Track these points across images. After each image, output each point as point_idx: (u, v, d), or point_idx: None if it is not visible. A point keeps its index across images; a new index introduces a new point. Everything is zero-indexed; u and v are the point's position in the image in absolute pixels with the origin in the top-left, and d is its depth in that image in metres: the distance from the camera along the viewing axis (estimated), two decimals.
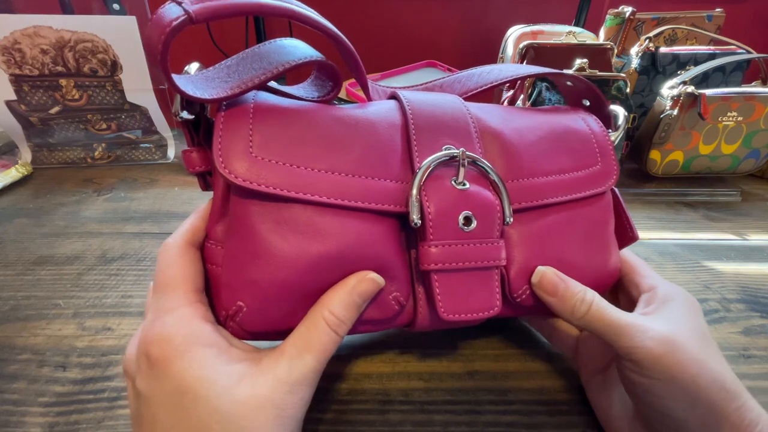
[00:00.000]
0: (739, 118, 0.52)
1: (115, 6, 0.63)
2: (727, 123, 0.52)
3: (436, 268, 0.22)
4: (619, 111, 0.29)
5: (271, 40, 0.24)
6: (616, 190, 0.28)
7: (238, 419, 0.17)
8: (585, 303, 0.22)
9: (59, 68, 0.53)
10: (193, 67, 0.23)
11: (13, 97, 0.54)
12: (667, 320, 0.21)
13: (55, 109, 0.56)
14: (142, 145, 0.60)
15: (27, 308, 0.33)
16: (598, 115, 0.30)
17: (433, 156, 0.22)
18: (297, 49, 0.23)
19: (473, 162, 0.23)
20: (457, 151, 0.22)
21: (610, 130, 0.29)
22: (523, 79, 0.30)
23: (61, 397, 0.26)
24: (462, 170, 0.22)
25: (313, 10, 0.23)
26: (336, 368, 0.29)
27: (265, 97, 0.23)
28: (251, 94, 0.22)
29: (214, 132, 0.20)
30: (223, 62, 0.23)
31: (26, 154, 0.57)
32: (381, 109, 0.24)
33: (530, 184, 0.25)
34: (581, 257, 0.25)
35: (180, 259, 0.21)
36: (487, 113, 0.27)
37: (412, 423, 0.25)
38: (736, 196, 0.54)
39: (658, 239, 0.45)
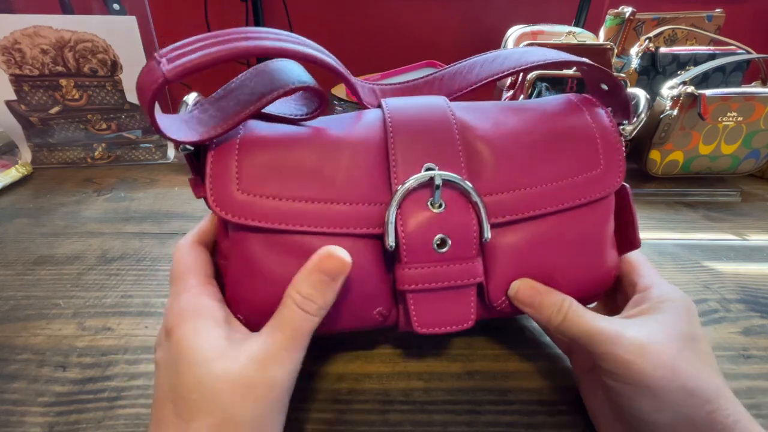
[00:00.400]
0: (739, 119, 0.52)
1: (115, 6, 0.63)
2: (727, 123, 0.52)
3: (410, 288, 0.23)
4: (639, 95, 0.25)
5: (265, 63, 0.24)
6: (629, 189, 0.26)
7: (213, 393, 0.18)
8: (561, 312, 0.23)
9: (59, 68, 0.53)
10: (191, 98, 0.24)
11: (13, 97, 0.54)
12: (648, 325, 0.21)
13: (55, 109, 0.56)
14: (142, 145, 0.60)
15: (27, 308, 0.33)
16: (615, 100, 0.26)
17: (410, 179, 0.22)
18: (288, 73, 0.23)
19: (451, 182, 0.22)
20: (434, 173, 0.22)
21: (625, 122, 0.26)
22: (530, 69, 0.26)
23: (60, 397, 0.26)
24: (438, 192, 0.22)
25: (292, 36, 0.23)
26: (336, 368, 0.29)
27: (252, 127, 0.24)
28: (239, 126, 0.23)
29: (206, 171, 0.22)
30: (214, 94, 0.24)
31: (26, 154, 0.57)
32: (362, 129, 0.24)
33: (516, 196, 0.24)
34: (570, 264, 0.25)
35: (190, 253, 0.24)
36: (478, 117, 0.25)
37: (412, 423, 0.25)
38: (736, 197, 0.54)
39: (657, 239, 0.45)
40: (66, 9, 0.64)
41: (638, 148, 0.56)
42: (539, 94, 0.55)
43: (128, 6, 0.57)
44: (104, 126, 0.58)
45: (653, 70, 0.59)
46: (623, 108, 0.26)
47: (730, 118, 0.52)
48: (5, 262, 0.39)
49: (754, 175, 0.60)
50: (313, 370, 0.28)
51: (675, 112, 0.51)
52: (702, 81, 0.58)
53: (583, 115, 0.26)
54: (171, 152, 0.62)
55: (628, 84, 0.55)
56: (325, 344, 0.30)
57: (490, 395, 0.27)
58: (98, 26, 0.53)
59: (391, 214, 0.22)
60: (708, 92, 0.50)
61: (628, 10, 0.66)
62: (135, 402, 0.26)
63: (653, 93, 0.60)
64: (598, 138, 0.25)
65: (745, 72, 0.59)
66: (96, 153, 0.59)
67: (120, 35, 0.53)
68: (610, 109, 0.27)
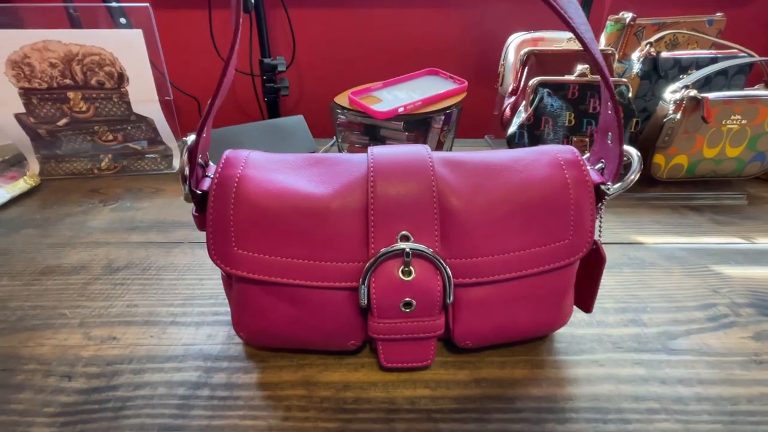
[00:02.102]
0: (743, 121, 0.52)
1: (122, 20, 0.64)
2: (731, 126, 0.52)
3: (379, 337, 0.26)
4: (633, 155, 0.26)
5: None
6: (603, 250, 0.27)
7: None
8: None
9: (67, 81, 0.54)
10: (191, 138, 0.25)
11: (22, 110, 0.55)
12: None
13: (62, 121, 0.57)
14: (147, 155, 0.61)
15: (34, 318, 0.33)
16: (611, 153, 0.26)
17: (383, 250, 0.25)
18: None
19: (421, 252, 0.25)
20: (405, 245, 0.25)
21: (610, 184, 0.26)
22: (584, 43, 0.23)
23: (66, 407, 0.26)
24: (409, 259, 0.25)
25: None
26: (341, 377, 0.28)
27: (247, 179, 0.26)
28: (233, 179, 0.26)
29: (206, 228, 0.26)
30: None
31: (34, 166, 0.58)
32: (347, 190, 0.26)
33: (484, 261, 0.26)
34: (529, 315, 0.28)
35: None
36: (458, 177, 0.26)
37: None
38: (743, 200, 0.54)
39: (664, 244, 0.44)
40: (74, 23, 0.65)
41: (642, 152, 0.56)
42: (541, 100, 0.55)
43: (134, 19, 0.58)
44: (110, 137, 0.59)
45: (655, 75, 0.59)
46: (614, 164, 0.26)
47: (734, 121, 0.52)
48: (13, 272, 0.39)
49: (759, 178, 0.59)
50: (318, 378, 0.28)
51: (678, 116, 0.51)
52: (704, 84, 0.58)
53: (565, 184, 0.26)
54: (177, 162, 0.62)
55: (630, 89, 0.55)
56: (329, 353, 0.30)
57: (497, 403, 0.27)
58: (105, 40, 0.54)
59: (365, 280, 0.25)
60: (711, 96, 0.50)
61: (628, 15, 0.66)
62: (140, 412, 0.26)
63: (656, 97, 0.60)
64: (573, 209, 0.26)
65: (748, 75, 0.59)
66: (102, 164, 0.60)
67: (126, 48, 0.54)
68: (601, 163, 0.27)
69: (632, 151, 0.26)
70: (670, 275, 0.39)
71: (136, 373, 0.28)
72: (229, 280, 0.28)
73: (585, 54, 0.60)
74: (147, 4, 0.54)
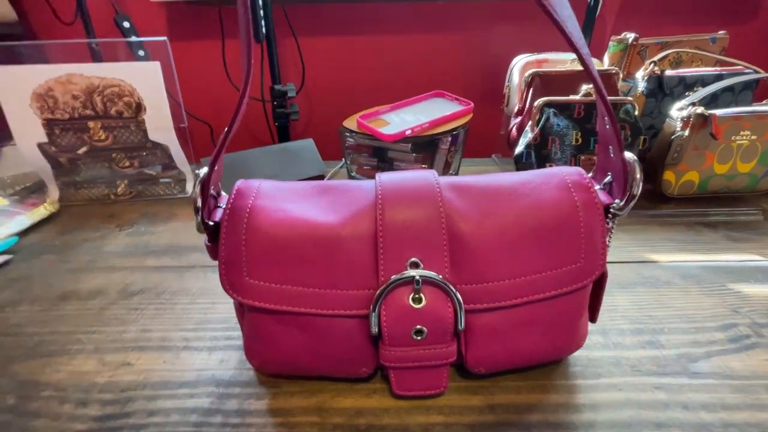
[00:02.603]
0: (753, 137, 0.52)
1: (141, 52, 0.67)
2: (741, 142, 0.52)
3: (391, 365, 0.26)
4: (634, 164, 0.25)
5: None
6: (606, 270, 0.27)
7: None
8: None
9: (88, 111, 0.57)
10: (203, 171, 0.26)
11: (45, 139, 0.57)
12: None
13: (82, 150, 0.59)
14: (162, 180, 0.63)
15: (51, 344, 0.34)
16: (616, 166, 0.26)
17: (393, 277, 0.25)
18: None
19: (431, 279, 0.25)
20: (415, 272, 0.25)
21: (618, 201, 0.26)
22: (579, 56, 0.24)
23: None
24: (419, 286, 0.25)
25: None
26: (354, 402, 0.28)
27: (257, 217, 0.26)
28: (245, 210, 0.26)
29: (218, 259, 0.26)
30: None
31: (54, 193, 0.60)
32: (357, 217, 0.26)
33: (495, 287, 0.25)
34: (543, 340, 0.27)
35: None
36: (467, 202, 0.26)
37: None
38: (758, 215, 0.53)
39: (679, 262, 0.44)
40: (96, 57, 0.68)
41: (652, 169, 0.56)
42: (547, 120, 0.56)
43: (152, 51, 0.61)
44: (127, 163, 0.61)
45: (660, 93, 0.60)
46: (621, 174, 0.25)
47: (744, 137, 0.52)
48: (32, 297, 0.40)
49: None
50: (330, 405, 0.28)
51: (686, 132, 0.51)
52: (711, 101, 0.58)
53: (574, 206, 0.26)
54: (190, 186, 0.64)
55: (636, 107, 0.55)
56: (342, 378, 0.30)
57: (513, 430, 0.26)
58: (125, 72, 0.56)
59: (375, 308, 0.25)
60: (719, 112, 0.50)
61: (630, 35, 0.67)
62: None
63: (662, 114, 0.60)
64: (583, 232, 0.26)
65: (755, 91, 0.59)
66: (119, 189, 0.62)
67: (144, 79, 0.57)
68: (609, 178, 0.27)
69: (632, 160, 0.25)
70: (686, 294, 0.38)
71: (150, 399, 0.29)
72: (241, 309, 0.29)
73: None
74: (165, 38, 0.57)
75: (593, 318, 0.30)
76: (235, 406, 0.28)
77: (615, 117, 0.24)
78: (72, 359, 0.32)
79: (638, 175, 0.25)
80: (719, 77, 0.58)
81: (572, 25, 0.23)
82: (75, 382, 0.30)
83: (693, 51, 0.64)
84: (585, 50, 0.24)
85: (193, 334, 0.35)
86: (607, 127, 0.26)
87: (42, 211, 0.56)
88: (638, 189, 0.25)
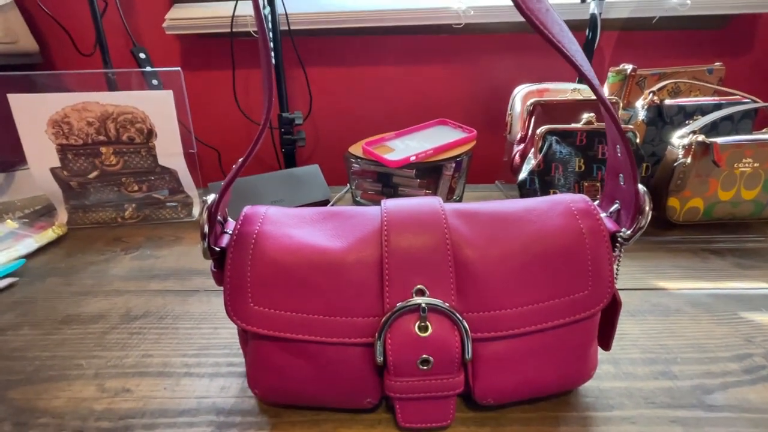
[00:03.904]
0: (756, 164, 0.52)
1: (154, 81, 0.70)
2: (744, 169, 0.52)
3: (396, 396, 0.25)
4: (646, 200, 0.25)
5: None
6: (618, 295, 0.27)
7: None
8: None
9: (101, 137, 0.58)
10: (210, 198, 0.26)
11: (58, 164, 0.58)
12: None
13: (93, 174, 0.60)
14: (168, 203, 0.64)
15: (50, 369, 0.33)
16: (626, 195, 0.26)
17: (399, 305, 0.24)
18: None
19: (437, 307, 0.24)
20: (421, 300, 0.24)
21: (623, 230, 0.26)
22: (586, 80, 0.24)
23: None
24: (425, 315, 0.24)
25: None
26: None
27: (264, 237, 0.26)
28: (251, 236, 0.26)
29: (224, 285, 0.26)
30: None
31: (63, 216, 0.61)
32: (362, 245, 0.26)
33: (502, 315, 0.25)
34: (552, 370, 0.27)
35: None
36: (472, 229, 0.26)
37: None
38: (765, 243, 0.53)
39: (688, 289, 0.43)
40: (112, 86, 0.71)
41: (656, 195, 0.56)
42: (549, 147, 0.57)
43: (165, 81, 0.63)
44: (136, 187, 0.62)
45: (661, 121, 0.61)
46: (631, 204, 0.25)
47: (746, 164, 0.52)
48: (35, 321, 0.40)
49: None
50: None
51: (688, 160, 0.52)
52: (711, 130, 0.58)
53: (580, 234, 0.26)
54: (196, 210, 0.64)
55: (637, 135, 0.56)
56: (345, 408, 0.29)
57: None
58: (138, 100, 0.58)
59: (380, 336, 0.24)
60: (719, 140, 0.51)
61: (629, 66, 0.69)
62: None
63: (663, 142, 0.61)
64: (590, 260, 0.26)
65: (754, 120, 0.60)
66: (126, 213, 0.62)
67: (157, 107, 0.59)
68: (616, 204, 0.27)
69: (643, 191, 0.25)
70: (697, 323, 0.37)
71: (148, 428, 0.28)
72: (245, 336, 0.28)
73: (589, 103, 0.62)
74: (179, 68, 0.59)
75: (607, 346, 0.29)
76: None
77: (630, 146, 0.24)
78: (71, 385, 0.32)
79: (647, 208, 0.25)
80: (718, 106, 0.59)
81: (581, 59, 0.24)
82: (73, 408, 0.30)
83: (691, 81, 0.65)
84: (596, 81, 0.25)
85: (195, 360, 0.34)
86: (619, 155, 0.26)
87: (50, 234, 0.56)
88: (646, 221, 0.25)
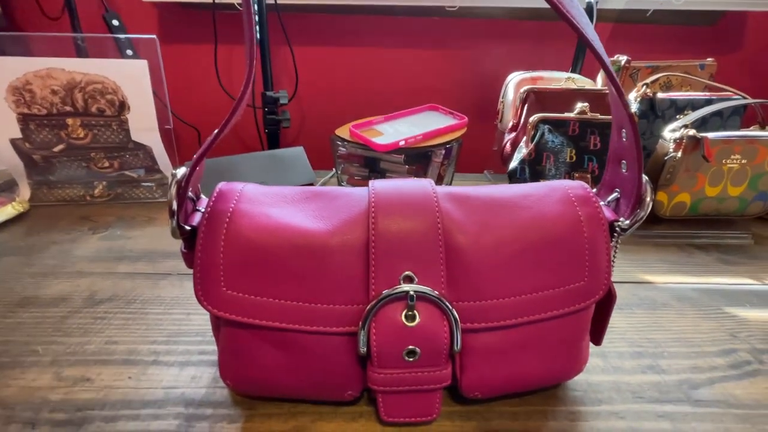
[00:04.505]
0: (743, 161, 0.52)
1: (129, 51, 0.65)
2: (732, 165, 0.52)
3: (379, 389, 0.24)
4: (648, 189, 0.24)
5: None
6: (614, 288, 0.26)
7: None
8: None
9: (67, 108, 0.54)
10: (180, 171, 0.24)
11: (19, 135, 0.54)
12: None
13: (58, 147, 0.56)
14: (143, 183, 0.60)
15: (2, 355, 0.31)
16: (627, 184, 0.25)
17: (385, 292, 0.23)
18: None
19: (425, 294, 0.23)
20: (409, 287, 0.23)
21: (622, 219, 0.25)
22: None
23: None
24: (413, 303, 0.23)
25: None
26: (337, 427, 0.26)
27: (239, 214, 0.24)
28: (225, 214, 0.24)
29: (194, 266, 0.24)
30: None
31: (25, 192, 0.56)
32: (347, 226, 0.24)
33: (494, 305, 0.24)
34: (543, 363, 0.25)
35: None
36: (464, 213, 0.25)
37: None
38: (748, 239, 0.53)
39: (674, 283, 0.43)
40: (81, 54, 0.66)
41: None
42: (542, 136, 0.56)
43: (140, 49, 0.59)
44: (107, 164, 0.58)
45: (652, 114, 0.60)
46: (633, 192, 0.24)
47: (734, 161, 0.52)
48: None
49: (763, 218, 0.59)
50: (311, 429, 0.25)
51: (679, 154, 0.51)
52: (701, 125, 0.58)
53: (578, 221, 0.25)
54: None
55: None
56: (324, 401, 0.27)
57: None
58: (109, 68, 0.54)
59: (364, 325, 0.23)
60: (710, 135, 0.51)
61: (623, 58, 0.68)
62: None
63: (654, 136, 0.60)
64: (587, 249, 0.24)
65: (743, 116, 0.60)
66: (96, 191, 0.58)
67: (130, 78, 0.55)
68: (616, 193, 0.26)
69: (645, 180, 0.24)
70: (684, 317, 0.37)
71: (108, 420, 0.26)
72: (217, 322, 0.26)
73: (582, 93, 0.61)
74: (154, 36, 0.55)
75: (598, 341, 0.28)
76: (206, 429, 0.25)
77: (638, 131, 0.23)
78: (24, 373, 0.29)
79: (648, 198, 0.24)
80: (709, 102, 0.59)
81: (592, 34, 0.22)
82: (25, 398, 0.27)
83: (683, 75, 0.65)
84: (608, 60, 0.23)
85: (164, 348, 0.32)
86: (624, 140, 0.24)
87: (9, 211, 0.52)
88: (646, 212, 0.24)
